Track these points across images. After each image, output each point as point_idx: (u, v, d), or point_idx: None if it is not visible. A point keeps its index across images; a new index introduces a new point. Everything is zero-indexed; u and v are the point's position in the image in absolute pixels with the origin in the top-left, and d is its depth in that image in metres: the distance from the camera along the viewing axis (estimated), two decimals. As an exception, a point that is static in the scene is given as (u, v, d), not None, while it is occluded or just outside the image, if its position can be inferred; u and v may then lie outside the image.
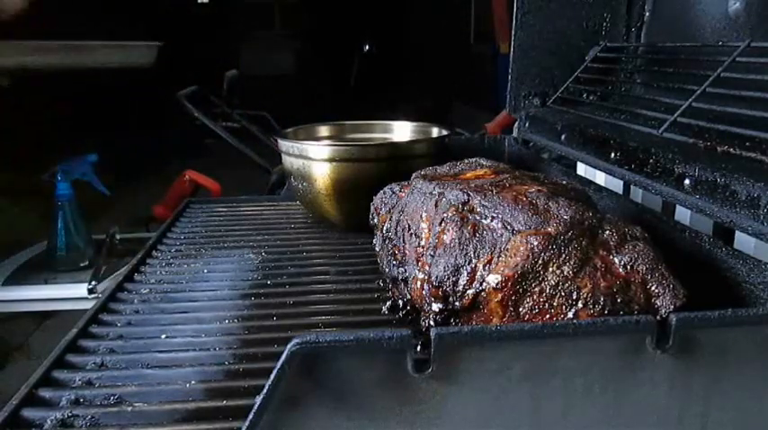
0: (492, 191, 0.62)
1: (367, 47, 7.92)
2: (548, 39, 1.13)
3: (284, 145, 1.01)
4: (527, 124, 1.17)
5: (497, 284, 0.55)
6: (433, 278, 0.59)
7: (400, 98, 6.90)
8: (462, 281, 0.57)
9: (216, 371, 0.59)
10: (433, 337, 0.42)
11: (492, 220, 0.58)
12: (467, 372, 0.43)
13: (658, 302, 0.52)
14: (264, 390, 0.41)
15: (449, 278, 0.58)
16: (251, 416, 0.41)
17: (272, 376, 0.41)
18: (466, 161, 0.78)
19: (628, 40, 1.13)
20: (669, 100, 0.86)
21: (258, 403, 0.41)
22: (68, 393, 0.55)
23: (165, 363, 0.61)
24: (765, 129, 0.68)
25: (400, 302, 0.70)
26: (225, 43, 7.45)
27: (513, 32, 1.12)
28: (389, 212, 0.75)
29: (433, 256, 0.60)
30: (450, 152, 0.97)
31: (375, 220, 0.79)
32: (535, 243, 0.54)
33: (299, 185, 1.00)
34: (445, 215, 0.61)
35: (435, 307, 0.58)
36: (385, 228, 0.74)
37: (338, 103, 6.53)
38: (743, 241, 0.68)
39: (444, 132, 1.07)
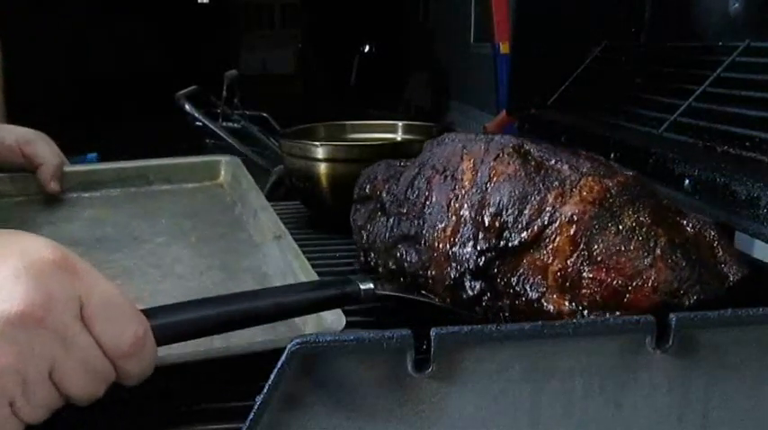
0: (547, 146, 0.57)
1: (367, 47, 7.93)
2: (548, 38, 1.13)
3: (285, 145, 1.01)
4: (527, 124, 1.17)
5: (573, 216, 0.50)
6: (491, 207, 0.53)
7: (400, 98, 6.91)
8: (528, 211, 0.51)
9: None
10: (433, 337, 0.42)
11: (557, 163, 0.53)
12: (467, 372, 0.43)
13: (725, 269, 0.50)
14: (264, 390, 0.41)
15: (514, 205, 0.52)
16: (251, 416, 0.41)
17: (272, 376, 0.41)
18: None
19: (628, 40, 1.13)
20: (669, 100, 0.86)
21: (258, 403, 0.41)
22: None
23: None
24: (765, 130, 0.68)
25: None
26: (225, 43, 7.45)
27: (513, 32, 1.12)
28: (388, 181, 0.69)
29: (484, 191, 0.54)
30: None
31: (366, 190, 0.72)
32: (610, 184, 0.51)
33: (300, 185, 1.00)
34: (500, 152, 0.55)
35: (480, 245, 0.53)
36: (384, 192, 0.68)
37: (338, 103, 6.54)
38: (743, 241, 0.68)
39: (445, 132, 1.07)
